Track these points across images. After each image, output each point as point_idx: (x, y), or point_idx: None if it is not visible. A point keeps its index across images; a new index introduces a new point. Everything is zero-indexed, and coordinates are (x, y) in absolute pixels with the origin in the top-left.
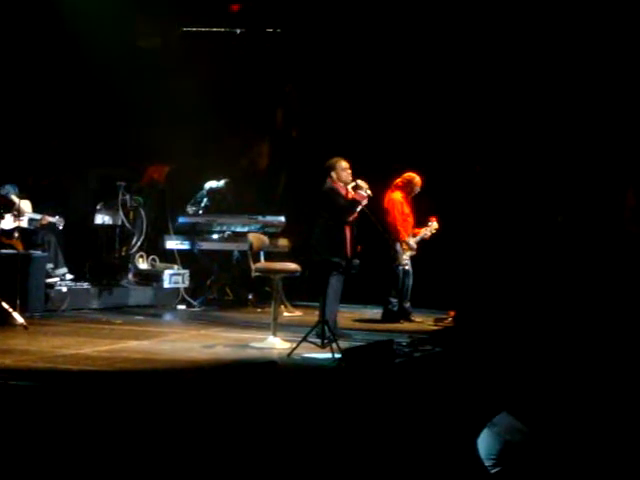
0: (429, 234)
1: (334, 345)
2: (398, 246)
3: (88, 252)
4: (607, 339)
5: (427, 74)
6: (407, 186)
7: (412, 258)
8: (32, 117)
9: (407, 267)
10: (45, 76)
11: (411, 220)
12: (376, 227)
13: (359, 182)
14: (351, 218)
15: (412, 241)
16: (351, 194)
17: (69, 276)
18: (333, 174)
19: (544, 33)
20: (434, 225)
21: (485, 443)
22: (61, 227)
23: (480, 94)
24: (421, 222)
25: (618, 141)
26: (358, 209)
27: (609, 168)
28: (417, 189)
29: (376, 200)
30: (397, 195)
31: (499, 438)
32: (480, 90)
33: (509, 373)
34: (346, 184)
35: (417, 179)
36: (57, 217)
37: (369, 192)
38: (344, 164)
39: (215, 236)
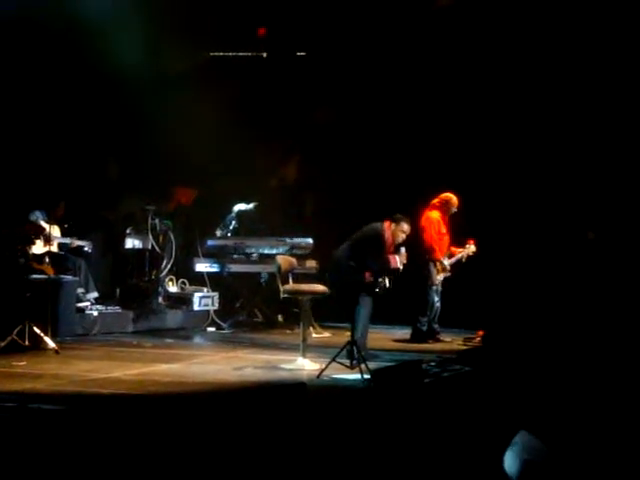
0: (466, 256)
1: (363, 366)
2: (432, 266)
3: (118, 276)
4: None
5: (430, 85)
6: (444, 206)
7: (444, 279)
8: (60, 143)
9: (437, 287)
10: (72, 100)
11: (447, 240)
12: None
13: (402, 251)
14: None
15: (447, 262)
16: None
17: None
18: (393, 225)
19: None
20: (472, 248)
21: (507, 462)
22: (90, 251)
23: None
24: (457, 244)
25: None
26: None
27: None
28: (454, 209)
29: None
30: (434, 214)
31: (519, 457)
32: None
33: (531, 392)
34: (394, 240)
35: (454, 199)
36: (86, 241)
37: (401, 266)
38: (406, 227)
39: (244, 258)
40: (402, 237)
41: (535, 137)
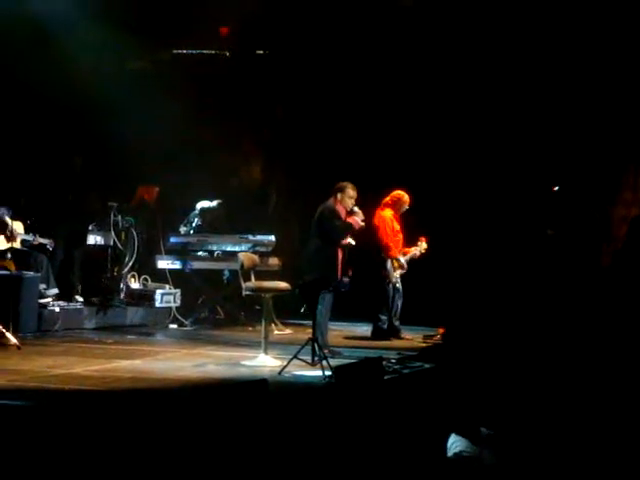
0: (419, 254)
1: (324, 363)
2: (389, 264)
3: (81, 272)
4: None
5: (384, 82)
6: (396, 204)
7: (402, 276)
8: (23, 139)
9: (397, 285)
10: (35, 96)
11: (401, 237)
12: (366, 247)
13: (355, 209)
14: (343, 242)
15: (402, 259)
16: (348, 218)
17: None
18: (339, 196)
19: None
20: (423, 245)
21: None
22: (51, 248)
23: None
24: (410, 241)
25: None
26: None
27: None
28: (405, 207)
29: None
30: (387, 212)
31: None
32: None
33: (490, 389)
34: (346, 210)
35: (405, 197)
36: (48, 239)
37: (363, 224)
38: (352, 192)
39: (206, 255)
40: (352, 202)
41: (495, 133)
